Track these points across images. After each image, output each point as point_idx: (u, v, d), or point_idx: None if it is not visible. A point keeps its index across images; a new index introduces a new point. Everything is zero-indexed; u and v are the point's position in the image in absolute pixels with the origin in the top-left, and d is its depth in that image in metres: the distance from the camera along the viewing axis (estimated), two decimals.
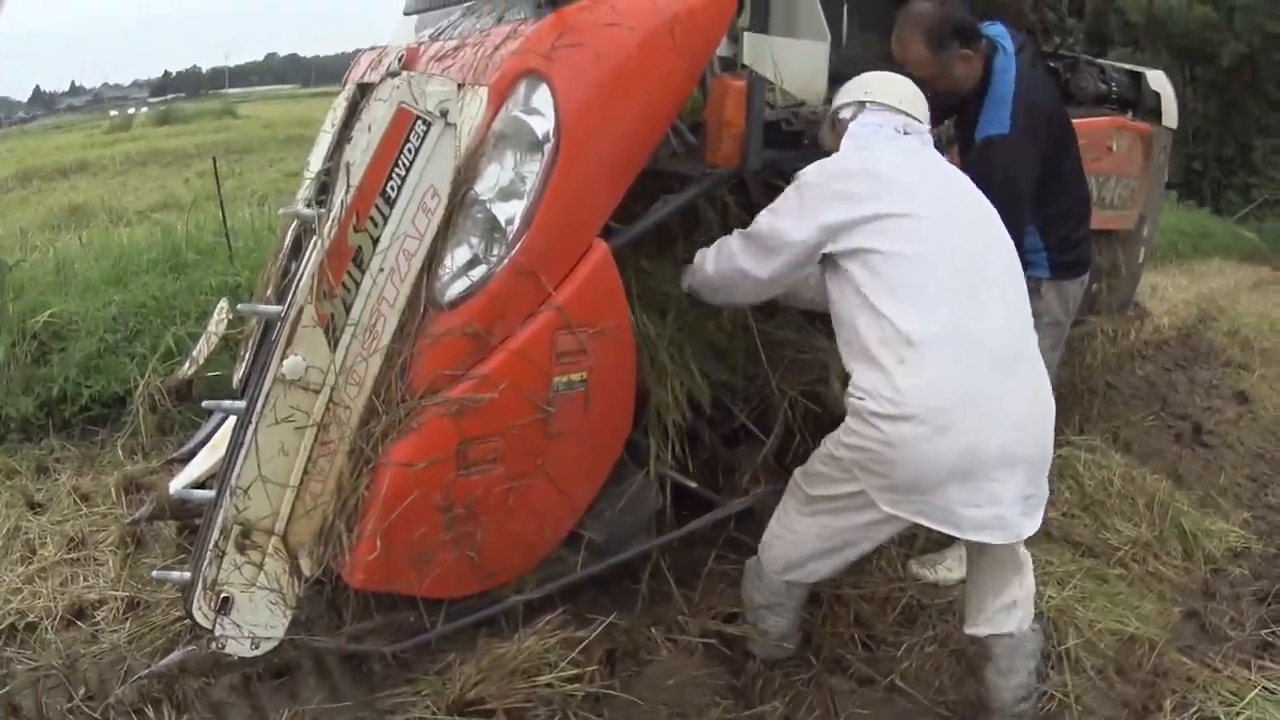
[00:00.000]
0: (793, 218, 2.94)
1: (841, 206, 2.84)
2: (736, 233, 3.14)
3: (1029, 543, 4.06)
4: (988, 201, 3.00)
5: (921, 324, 2.67)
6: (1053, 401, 2.90)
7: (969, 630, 3.10)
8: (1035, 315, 3.62)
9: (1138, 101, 6.21)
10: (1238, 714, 3.47)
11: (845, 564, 3.10)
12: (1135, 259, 6.65)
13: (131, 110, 49.87)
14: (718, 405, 3.52)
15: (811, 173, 2.98)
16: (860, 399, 2.73)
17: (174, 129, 34.67)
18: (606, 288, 2.99)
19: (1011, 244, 2.97)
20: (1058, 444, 5.48)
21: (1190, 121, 21.11)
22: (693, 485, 3.47)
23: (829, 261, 2.91)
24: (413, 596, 2.98)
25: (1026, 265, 3.55)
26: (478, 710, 2.94)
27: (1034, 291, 3.60)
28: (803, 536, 3.04)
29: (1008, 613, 3.03)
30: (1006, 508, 2.74)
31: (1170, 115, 6.63)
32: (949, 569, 3.91)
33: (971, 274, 2.77)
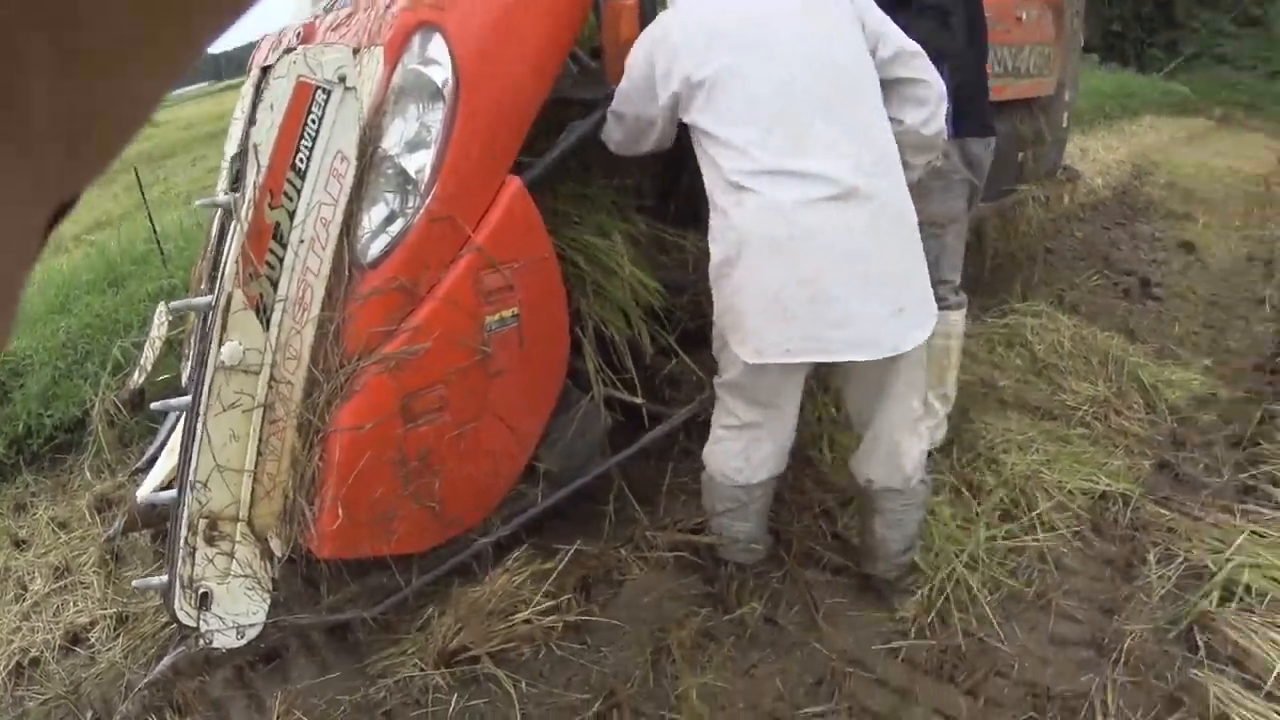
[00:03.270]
0: (639, 90, 2.91)
1: (680, 65, 2.76)
2: (609, 110, 3.12)
3: (978, 410, 4.11)
4: (840, 28, 2.86)
5: (754, 162, 2.63)
6: (910, 221, 2.83)
7: (861, 473, 3.12)
8: (944, 176, 3.71)
9: None
10: (1227, 560, 3.49)
11: (781, 449, 3.10)
12: (1059, 124, 6.66)
13: None
14: (655, 319, 3.51)
15: (650, 33, 2.91)
16: (710, 250, 2.76)
17: None
18: (525, 222, 2.99)
19: (863, 74, 2.85)
20: (1002, 313, 5.53)
21: None
22: (638, 401, 3.48)
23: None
24: (383, 557, 3.00)
25: None
26: (464, 658, 2.98)
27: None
28: (727, 430, 3.06)
29: (897, 465, 3.04)
30: (871, 325, 2.68)
31: None
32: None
33: (808, 107, 2.68)
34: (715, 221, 2.75)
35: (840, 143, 2.68)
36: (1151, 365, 5.20)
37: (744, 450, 3.05)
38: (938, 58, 3.62)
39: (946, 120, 3.73)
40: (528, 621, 3.01)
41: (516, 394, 3.07)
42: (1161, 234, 8.50)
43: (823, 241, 2.62)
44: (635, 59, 2.92)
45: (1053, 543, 3.62)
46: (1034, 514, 3.74)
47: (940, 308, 3.76)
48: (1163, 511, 3.90)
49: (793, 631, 3.17)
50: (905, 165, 2.89)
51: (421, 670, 2.98)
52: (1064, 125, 6.83)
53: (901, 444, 3.03)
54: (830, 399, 3.98)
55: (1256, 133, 18.96)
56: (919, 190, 3.69)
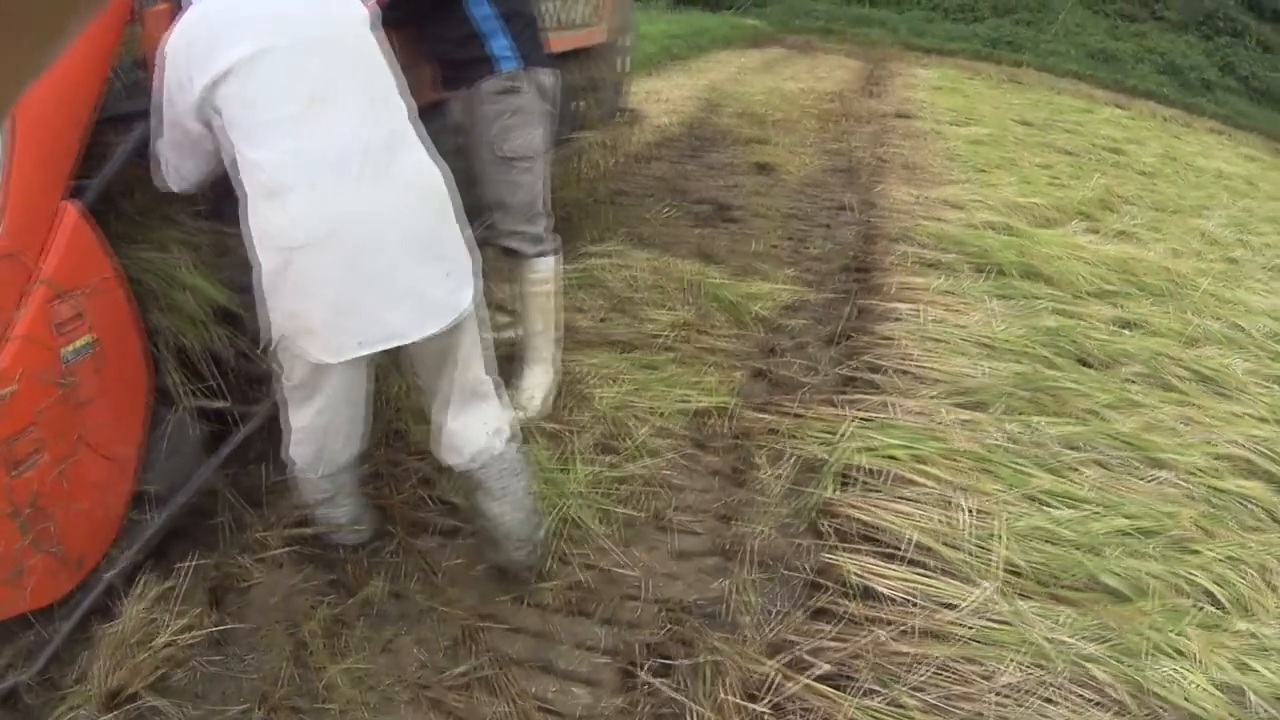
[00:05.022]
0: (170, 101, 2.82)
1: (198, 78, 2.70)
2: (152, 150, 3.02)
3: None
4: (346, 7, 2.91)
5: (281, 160, 2.63)
6: (439, 183, 2.88)
7: (449, 461, 3.13)
8: (524, 111, 3.81)
9: None
10: (838, 448, 3.69)
11: (356, 433, 3.12)
12: (615, 70, 6.84)
13: None
14: (230, 322, 3.45)
15: (167, 39, 2.80)
16: (256, 259, 2.75)
17: None
18: (86, 246, 2.92)
19: (373, 42, 2.89)
20: (575, 258, 5.66)
21: None
22: (223, 405, 3.44)
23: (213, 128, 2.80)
24: (25, 615, 2.94)
25: (498, 62, 3.78)
26: (125, 697, 2.91)
27: (513, 90, 3.84)
28: (302, 431, 3.04)
29: (480, 436, 3.08)
30: (432, 297, 2.77)
31: None
32: (538, 396, 4.10)
33: (323, 94, 2.69)
34: (258, 227, 2.72)
35: (369, 123, 2.74)
36: (732, 283, 5.43)
37: (321, 447, 3.06)
38: None
39: (514, 52, 3.83)
40: (170, 644, 2.97)
41: (106, 421, 3.01)
42: (735, 160, 8.81)
43: (371, 228, 2.66)
44: (160, 72, 2.84)
45: (658, 466, 3.77)
46: (634, 442, 3.88)
47: (539, 249, 3.90)
48: (763, 416, 4.11)
49: (419, 600, 3.22)
50: None
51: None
52: (621, 70, 7.02)
53: (475, 415, 3.08)
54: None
55: (833, 54, 20.05)
56: (500, 129, 3.79)
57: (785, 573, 3.29)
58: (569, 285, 5.37)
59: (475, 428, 3.07)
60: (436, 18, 3.88)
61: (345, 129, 2.69)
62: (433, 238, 2.82)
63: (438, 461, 3.48)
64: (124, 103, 3.20)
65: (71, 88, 2.94)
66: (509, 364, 4.12)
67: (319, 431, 3.03)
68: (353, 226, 2.64)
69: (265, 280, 2.75)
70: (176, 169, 3.02)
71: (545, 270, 4.10)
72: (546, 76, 4.02)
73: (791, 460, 3.78)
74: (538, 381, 4.11)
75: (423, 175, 2.84)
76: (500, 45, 3.85)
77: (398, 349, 2.93)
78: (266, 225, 2.69)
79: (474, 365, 3.05)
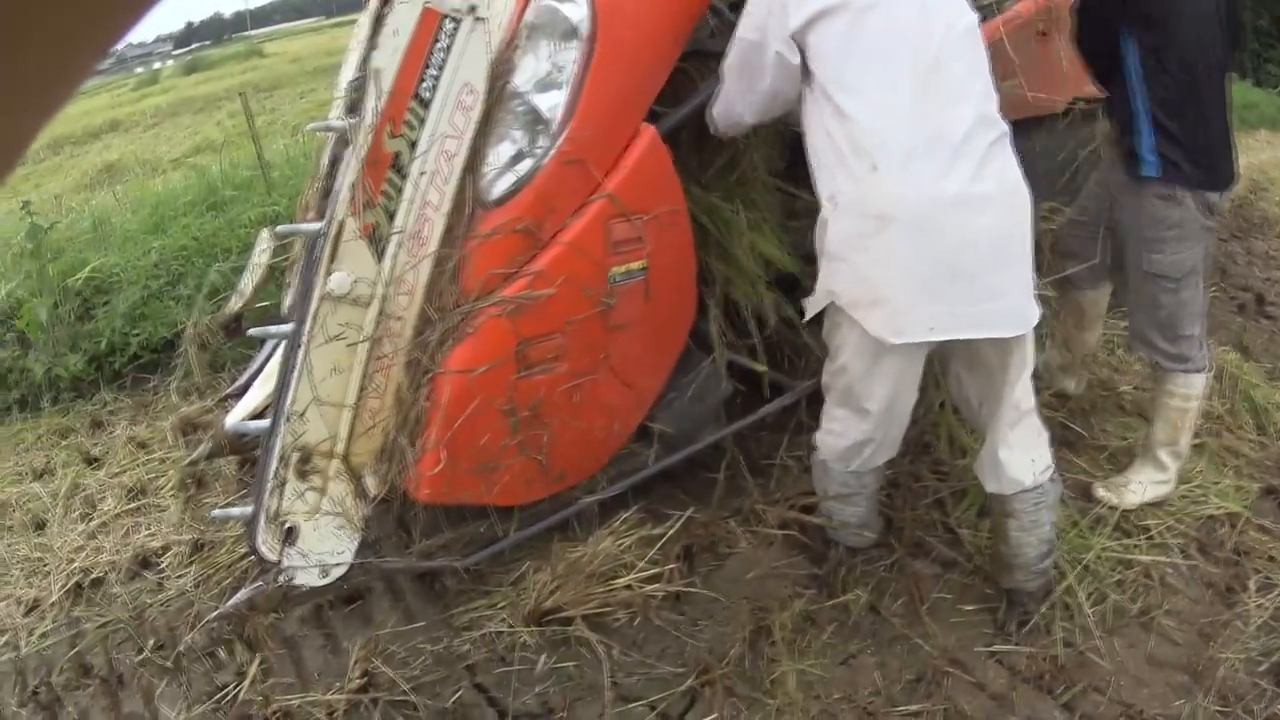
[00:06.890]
0: (761, 29, 2.70)
1: (798, 5, 2.59)
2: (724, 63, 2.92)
3: (1098, 414, 4.08)
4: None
5: (892, 126, 2.51)
6: (1028, 199, 2.69)
7: (990, 487, 2.96)
8: (1178, 226, 3.35)
9: None
10: None
11: (896, 437, 2.97)
12: None
13: (157, 65, 50.06)
14: (783, 287, 3.39)
15: None
16: (831, 217, 2.63)
17: (202, 76, 33.87)
18: (658, 172, 2.88)
19: (981, 53, 2.71)
20: (1124, 314, 5.38)
21: None
22: (762, 369, 3.37)
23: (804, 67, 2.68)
24: (482, 506, 2.93)
25: (1142, 165, 3.34)
26: (556, 618, 2.91)
27: (1172, 199, 3.35)
28: (844, 423, 2.91)
29: (1025, 466, 2.90)
30: (1014, 298, 2.63)
31: None
32: (1134, 491, 3.78)
33: (935, 68, 2.56)
34: (837, 181, 2.61)
35: (978, 119, 2.58)
36: (1264, 386, 5.06)
37: (857, 442, 2.92)
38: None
39: (1159, 159, 3.33)
40: (629, 587, 2.94)
41: (637, 350, 2.97)
42: (1276, 252, 8.32)
43: (972, 220, 2.52)
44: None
45: (1160, 559, 3.51)
46: (1148, 531, 3.65)
47: (1182, 367, 3.55)
48: (1265, 538, 3.80)
49: (895, 624, 3.08)
50: None
51: (510, 627, 2.92)
52: None
53: (1022, 446, 2.91)
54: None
55: None
56: (1149, 240, 3.39)
57: (1239, 713, 3.02)
58: (1114, 343, 5.11)
59: (1022, 461, 2.90)
60: (1109, 79, 3.42)
61: (952, 112, 2.55)
62: (1022, 247, 2.65)
63: (958, 485, 3.31)
64: (716, 41, 3.11)
65: (666, 15, 2.89)
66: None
67: (856, 427, 2.89)
68: (954, 214, 2.50)
69: (839, 237, 2.62)
70: (735, 100, 2.91)
71: (1184, 389, 3.73)
72: (1215, 195, 3.48)
73: (1277, 594, 3.49)
74: (1139, 478, 3.81)
75: (1016, 185, 2.66)
76: (1146, 145, 3.34)
77: (951, 354, 2.83)
78: (854, 184, 2.57)
79: (1022, 385, 2.86)
